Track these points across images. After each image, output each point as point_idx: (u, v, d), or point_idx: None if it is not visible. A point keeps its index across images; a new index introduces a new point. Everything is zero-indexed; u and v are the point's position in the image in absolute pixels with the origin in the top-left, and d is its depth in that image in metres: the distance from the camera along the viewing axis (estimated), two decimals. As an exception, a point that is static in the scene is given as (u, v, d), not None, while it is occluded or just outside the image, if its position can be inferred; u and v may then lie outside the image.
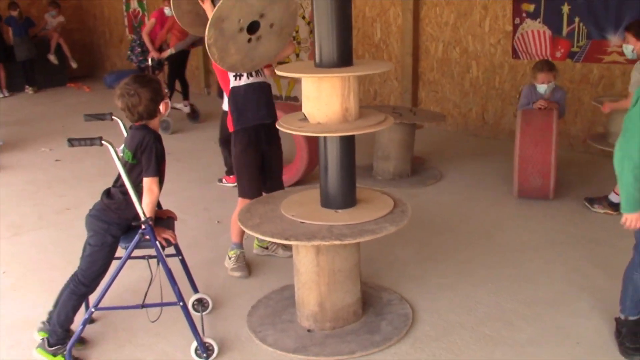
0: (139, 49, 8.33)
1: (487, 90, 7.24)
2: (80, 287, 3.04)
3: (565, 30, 6.46)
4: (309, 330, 3.34)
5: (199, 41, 7.74)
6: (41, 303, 3.75)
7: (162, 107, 3.02)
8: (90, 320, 3.22)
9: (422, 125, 6.86)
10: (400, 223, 3.16)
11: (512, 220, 4.84)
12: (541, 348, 3.14)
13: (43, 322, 3.24)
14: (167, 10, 7.81)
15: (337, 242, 2.97)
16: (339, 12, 3.05)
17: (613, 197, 4.71)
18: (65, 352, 3.04)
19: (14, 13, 11.05)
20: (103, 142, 2.93)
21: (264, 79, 3.92)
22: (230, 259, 4.08)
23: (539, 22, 6.62)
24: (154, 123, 3.04)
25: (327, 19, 3.06)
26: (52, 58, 11.90)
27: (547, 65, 5.18)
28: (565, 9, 6.40)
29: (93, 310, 3.00)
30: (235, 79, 3.84)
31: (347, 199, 3.30)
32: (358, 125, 3.16)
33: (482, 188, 5.57)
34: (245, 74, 3.82)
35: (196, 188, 5.87)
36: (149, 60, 8.03)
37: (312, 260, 3.22)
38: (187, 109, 8.55)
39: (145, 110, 2.96)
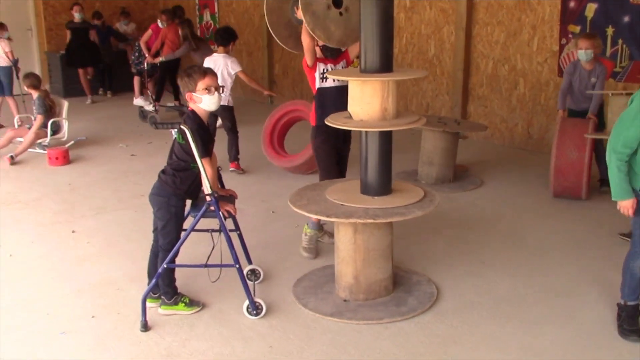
0: (137, 54, 9.86)
1: (533, 106, 7.61)
2: (166, 254, 3.63)
3: (609, 51, 6.80)
4: (345, 300, 3.86)
5: (194, 51, 9.52)
6: (121, 267, 4.44)
7: (189, 96, 3.54)
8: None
9: (467, 136, 7.31)
10: (427, 209, 3.65)
11: (544, 220, 5.24)
12: (547, 326, 3.56)
13: (151, 296, 3.76)
14: (160, 23, 9.56)
15: (371, 221, 3.50)
16: (381, 25, 3.60)
17: None
18: (180, 298, 3.74)
19: (98, 22, 12.06)
20: (181, 126, 3.51)
21: (345, 83, 4.36)
22: (305, 235, 4.64)
23: (570, 47, 6.97)
24: (197, 108, 3.57)
25: (371, 31, 3.61)
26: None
27: (589, 34, 5.73)
28: (610, 31, 6.74)
29: (165, 266, 3.60)
30: (322, 81, 4.46)
31: (383, 187, 3.82)
32: (395, 123, 3.69)
33: (520, 194, 5.97)
34: (330, 78, 4.38)
35: (255, 184, 6.49)
36: (145, 64, 9.56)
37: (350, 238, 3.75)
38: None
39: (182, 93, 3.59)
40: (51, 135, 7.73)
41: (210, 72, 3.60)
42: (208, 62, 6.66)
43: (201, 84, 3.53)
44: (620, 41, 6.68)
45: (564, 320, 3.63)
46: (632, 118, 3.13)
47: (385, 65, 3.66)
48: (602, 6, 6.76)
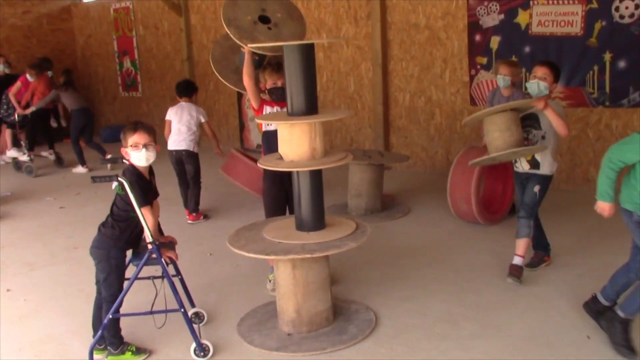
0: (6, 106, 9.97)
1: (450, 134, 8.05)
2: (110, 305, 3.68)
3: (514, 80, 7.31)
4: (288, 334, 4.00)
5: (57, 99, 9.85)
6: (61, 322, 4.43)
7: (123, 151, 3.68)
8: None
9: (390, 167, 7.65)
10: (360, 240, 3.87)
11: (469, 241, 5.56)
12: (479, 341, 3.82)
13: (97, 347, 3.80)
14: (29, 77, 9.83)
15: (308, 256, 3.68)
16: (305, 71, 3.84)
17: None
18: (126, 347, 3.80)
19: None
20: (119, 178, 3.60)
21: None
22: (270, 282, 4.75)
23: (492, 73, 7.47)
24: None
25: (295, 76, 3.84)
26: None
27: (509, 61, 6.13)
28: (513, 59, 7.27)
29: (110, 316, 3.65)
30: (267, 124, 4.64)
31: (317, 222, 4.01)
32: (323, 162, 3.90)
33: (444, 218, 6.30)
34: (273, 124, 4.49)
35: (190, 227, 6.57)
36: (16, 116, 9.76)
37: (289, 273, 3.91)
38: (52, 157, 10.33)
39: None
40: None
41: (140, 129, 3.66)
42: (172, 110, 6.85)
43: (130, 140, 3.64)
44: (523, 70, 7.21)
45: (494, 334, 3.89)
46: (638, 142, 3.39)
47: (311, 107, 3.89)
48: (505, 38, 7.30)
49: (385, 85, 8.50)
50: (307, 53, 3.84)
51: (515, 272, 4.58)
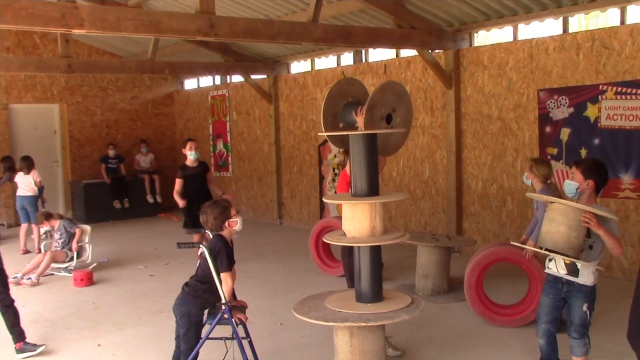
0: None
1: (522, 221, 8.22)
2: (186, 357, 4.14)
3: (584, 170, 7.48)
4: (345, 400, 4.29)
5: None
6: (142, 375, 4.89)
7: (227, 223, 4.25)
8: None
9: (460, 251, 7.86)
10: (413, 313, 4.18)
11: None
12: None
13: None
14: None
15: (363, 324, 4.02)
16: (367, 157, 4.30)
17: None
18: None
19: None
20: (201, 246, 4.14)
21: None
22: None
23: (562, 163, 7.69)
24: (225, 233, 4.26)
25: (359, 163, 4.31)
26: (149, 198, 13.92)
27: (530, 160, 5.99)
28: (583, 152, 7.48)
29: (186, 369, 4.10)
30: None
31: (375, 294, 4.36)
32: (382, 239, 4.29)
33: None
34: None
35: (265, 299, 7.01)
36: None
37: (347, 341, 4.24)
38: None
39: (212, 224, 4.22)
40: (77, 258, 8.39)
41: (231, 201, 4.41)
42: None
43: (233, 211, 4.32)
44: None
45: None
46: None
47: (372, 190, 4.32)
48: (575, 130, 7.55)
49: (459, 172, 8.85)
50: (370, 141, 4.32)
51: None
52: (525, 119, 8.08)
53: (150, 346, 5.59)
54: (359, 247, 4.34)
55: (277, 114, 12.26)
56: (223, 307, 4.09)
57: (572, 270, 4.16)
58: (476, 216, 8.77)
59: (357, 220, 4.30)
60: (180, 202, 8.10)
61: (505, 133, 8.30)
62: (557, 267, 4.24)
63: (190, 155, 8.41)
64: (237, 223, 4.28)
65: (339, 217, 6.19)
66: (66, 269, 8.38)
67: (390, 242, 4.28)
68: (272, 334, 5.81)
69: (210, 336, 4.25)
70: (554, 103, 7.73)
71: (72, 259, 8.41)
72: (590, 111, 7.38)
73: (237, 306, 4.34)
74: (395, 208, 9.97)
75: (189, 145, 8.47)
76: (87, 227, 8.88)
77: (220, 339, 4.45)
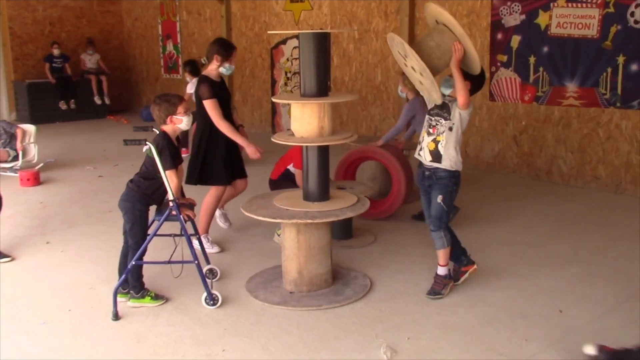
0: None
1: (469, 128, 8.37)
2: (134, 252, 4.19)
3: (531, 78, 7.62)
4: (290, 292, 4.46)
5: None
6: (92, 270, 4.98)
7: (169, 119, 4.19)
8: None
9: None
10: (358, 211, 4.31)
11: (469, 219, 5.94)
12: (460, 308, 4.22)
13: (121, 292, 4.30)
14: None
15: (310, 221, 4.13)
16: (317, 57, 4.27)
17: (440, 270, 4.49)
18: (146, 292, 4.30)
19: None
20: (147, 142, 4.12)
21: None
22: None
23: (511, 71, 7.80)
24: (168, 129, 4.22)
25: (309, 62, 4.28)
26: (97, 99, 13.59)
27: (401, 75, 6.46)
28: (532, 60, 7.58)
29: (133, 262, 4.16)
30: None
31: (322, 194, 4.46)
32: (330, 139, 4.34)
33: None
34: None
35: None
36: None
37: (294, 238, 4.37)
38: None
39: (157, 116, 4.20)
40: (22, 158, 8.24)
41: (183, 99, 4.29)
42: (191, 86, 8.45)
43: (181, 108, 4.22)
44: (541, 69, 7.51)
45: (474, 303, 4.29)
46: None
47: (322, 90, 4.33)
48: (525, 38, 7.61)
49: (410, 78, 8.86)
50: (320, 41, 4.28)
51: (437, 286, 4.39)
52: (477, 25, 8.08)
53: (101, 243, 5.63)
54: (307, 146, 4.39)
55: (228, 15, 11.92)
56: (170, 204, 4.13)
57: (436, 156, 4.24)
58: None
59: (305, 121, 4.33)
60: (240, 140, 5.23)
61: (458, 39, 8.29)
62: (424, 155, 4.31)
63: (226, 70, 5.31)
64: (182, 121, 4.22)
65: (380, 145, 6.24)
66: (12, 169, 8.23)
67: (338, 142, 4.34)
68: (221, 233, 5.90)
69: (159, 233, 4.30)
70: (506, 10, 7.74)
71: (15, 158, 8.26)
72: (542, 19, 7.42)
73: (186, 204, 4.38)
74: (346, 113, 10.02)
75: (234, 55, 5.39)
76: (31, 127, 8.67)
77: (169, 235, 4.51)
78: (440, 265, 4.43)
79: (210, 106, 5.08)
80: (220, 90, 5.22)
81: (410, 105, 6.18)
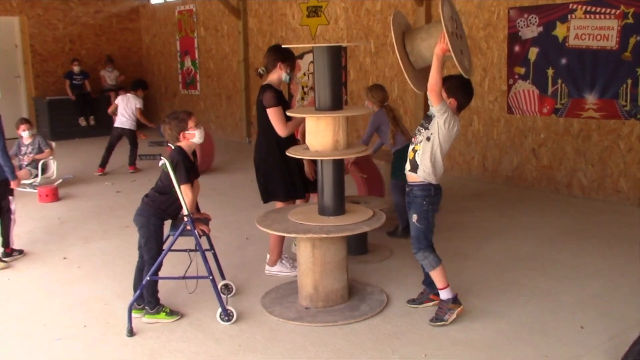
0: None
1: (487, 141, 8.31)
2: (150, 268, 4.18)
3: (550, 90, 7.54)
4: (306, 308, 4.41)
5: None
6: (108, 287, 4.97)
7: (182, 135, 4.18)
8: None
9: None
10: (374, 225, 4.26)
11: (491, 237, 5.86)
12: (478, 324, 4.14)
13: (136, 307, 4.29)
14: None
15: (324, 235, 4.09)
16: (331, 71, 4.25)
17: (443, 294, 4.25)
18: (161, 308, 4.27)
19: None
20: (161, 157, 4.11)
21: None
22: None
23: (529, 83, 7.72)
24: (183, 145, 4.22)
25: (323, 76, 4.26)
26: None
27: (365, 90, 6.32)
28: (550, 72, 7.50)
29: (148, 278, 4.15)
30: None
31: (337, 208, 4.42)
32: (345, 152, 4.31)
33: (471, 217, 6.59)
34: None
35: (232, 214, 7.07)
36: None
37: (309, 252, 4.33)
38: None
39: (169, 135, 4.19)
40: (41, 174, 8.30)
41: (192, 114, 4.29)
42: (120, 99, 9.68)
43: (191, 122, 4.21)
44: (559, 81, 7.43)
45: (493, 319, 4.21)
46: None
47: (336, 104, 4.30)
48: (543, 50, 7.54)
49: (427, 91, 8.81)
50: (334, 55, 4.26)
51: (440, 312, 4.17)
52: (494, 38, 8.03)
53: (117, 259, 5.64)
54: (321, 160, 4.35)
55: (245, 30, 11.99)
56: (185, 219, 4.11)
57: (413, 165, 4.12)
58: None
59: (320, 134, 4.30)
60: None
61: (475, 52, 8.25)
62: (406, 166, 4.20)
63: (286, 79, 5.04)
64: (195, 135, 4.22)
65: None
66: (31, 185, 8.30)
67: (353, 155, 4.31)
68: (238, 248, 5.89)
69: (174, 248, 4.29)
70: (523, 22, 7.68)
71: (36, 175, 8.32)
72: (559, 30, 7.35)
73: (200, 218, 4.37)
74: (363, 127, 9.97)
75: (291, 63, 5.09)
76: (52, 143, 8.75)
77: (184, 250, 4.50)
78: (440, 289, 4.19)
79: (274, 114, 4.84)
80: (282, 98, 4.98)
81: (375, 117, 6.14)
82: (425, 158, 4.06)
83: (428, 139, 4.05)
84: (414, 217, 4.14)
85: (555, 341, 3.87)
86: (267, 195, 5.15)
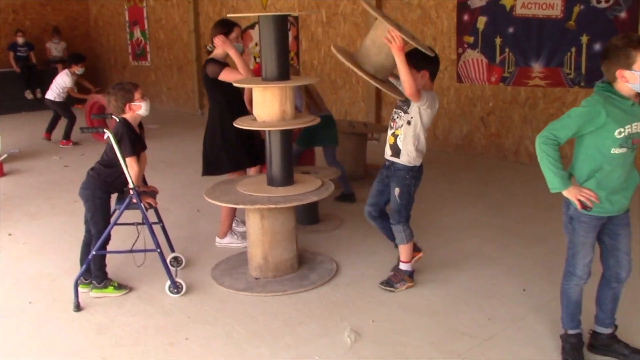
0: None
1: (440, 107, 8.37)
2: (97, 241, 4.12)
3: (498, 59, 7.64)
4: (256, 278, 4.43)
5: None
6: (55, 263, 4.89)
7: (127, 106, 4.11)
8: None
9: (377, 139, 8.01)
10: (322, 195, 4.28)
11: (444, 204, 5.95)
12: (425, 290, 4.22)
13: (83, 282, 4.24)
14: None
15: (273, 206, 4.10)
16: (278, 42, 4.21)
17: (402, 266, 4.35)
18: (109, 282, 4.22)
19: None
20: (105, 130, 4.03)
21: None
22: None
23: (478, 52, 7.80)
24: (128, 117, 4.15)
25: (269, 46, 4.22)
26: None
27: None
28: (498, 41, 7.59)
29: (94, 252, 4.09)
30: None
31: (285, 178, 4.42)
32: (292, 123, 4.30)
33: (421, 185, 6.66)
34: None
35: (183, 187, 7.00)
36: None
37: (258, 223, 4.33)
38: None
39: (114, 107, 4.11)
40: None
41: (138, 85, 4.20)
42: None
43: (138, 94, 4.14)
44: (507, 50, 7.53)
45: (440, 285, 4.30)
46: (567, 115, 3.08)
47: (283, 74, 4.27)
48: (491, 19, 7.61)
49: (378, 61, 8.82)
50: (280, 24, 4.22)
51: (393, 278, 4.27)
52: (444, 7, 8.06)
53: (64, 235, 5.54)
54: (269, 131, 4.34)
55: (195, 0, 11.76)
56: (131, 192, 4.06)
57: (395, 151, 4.08)
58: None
59: (267, 105, 4.27)
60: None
61: (425, 21, 8.28)
62: (386, 149, 4.17)
63: (240, 48, 5.12)
64: (142, 107, 4.15)
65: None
66: (-26, 161, 8.06)
67: (301, 125, 4.30)
68: (189, 221, 5.85)
69: (122, 222, 4.24)
70: (472, -10, 7.73)
71: (-20, 150, 8.10)
72: (506, -1, 7.43)
73: (147, 191, 4.32)
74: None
75: (237, 31, 5.08)
76: (-5, 118, 8.51)
77: (131, 224, 4.45)
78: (402, 262, 4.27)
79: (227, 73, 4.83)
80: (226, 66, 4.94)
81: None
82: (407, 143, 4.01)
83: (409, 122, 4.00)
84: (396, 191, 4.11)
85: (499, 303, 3.99)
86: (207, 166, 5.12)
